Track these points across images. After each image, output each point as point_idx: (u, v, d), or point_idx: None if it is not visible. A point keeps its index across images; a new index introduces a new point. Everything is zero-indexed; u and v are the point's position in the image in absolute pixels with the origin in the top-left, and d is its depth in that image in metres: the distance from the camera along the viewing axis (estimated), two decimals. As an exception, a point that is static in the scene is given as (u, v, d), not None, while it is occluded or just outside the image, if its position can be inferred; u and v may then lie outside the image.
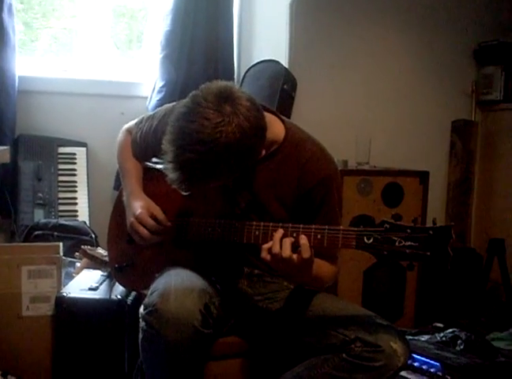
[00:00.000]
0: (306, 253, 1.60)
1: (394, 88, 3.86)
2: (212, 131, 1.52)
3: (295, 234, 1.64)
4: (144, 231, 1.85)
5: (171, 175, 1.61)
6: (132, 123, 2.10)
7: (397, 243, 1.54)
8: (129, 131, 2.09)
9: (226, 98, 1.56)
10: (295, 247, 1.61)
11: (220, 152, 1.53)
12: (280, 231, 1.64)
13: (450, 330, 2.74)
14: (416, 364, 2.48)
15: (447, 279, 3.49)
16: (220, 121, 1.53)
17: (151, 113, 2.06)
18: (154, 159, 2.09)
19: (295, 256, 1.60)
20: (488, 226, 4.03)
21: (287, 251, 1.60)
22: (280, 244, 1.61)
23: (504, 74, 3.93)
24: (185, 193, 1.71)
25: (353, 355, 1.67)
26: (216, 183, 1.68)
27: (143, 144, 2.01)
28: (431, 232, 1.51)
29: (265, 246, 1.63)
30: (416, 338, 2.71)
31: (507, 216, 3.90)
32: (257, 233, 1.70)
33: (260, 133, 1.61)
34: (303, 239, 1.61)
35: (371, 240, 1.57)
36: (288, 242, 1.61)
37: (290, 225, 1.66)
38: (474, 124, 4.07)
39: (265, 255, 1.63)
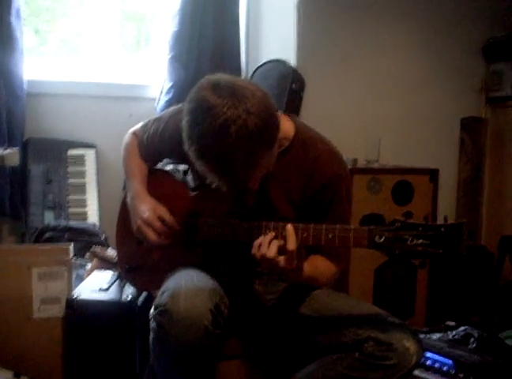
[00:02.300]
0: (290, 261, 1.61)
1: (403, 85, 3.85)
2: (223, 111, 1.50)
3: (305, 234, 1.64)
4: (152, 234, 1.85)
5: (222, 184, 1.60)
6: (138, 126, 2.09)
7: (408, 242, 1.53)
8: (135, 134, 2.08)
9: (214, 84, 1.55)
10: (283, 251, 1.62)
11: (243, 124, 1.50)
12: (272, 234, 1.64)
13: (462, 328, 2.72)
14: (428, 362, 2.46)
15: (458, 277, 3.47)
16: (221, 101, 1.51)
17: (157, 115, 2.06)
18: (164, 161, 2.10)
19: (281, 258, 1.61)
20: (499, 223, 4.01)
21: (271, 253, 1.61)
22: (268, 244, 1.62)
23: (514, 70, 3.91)
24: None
25: (366, 354, 1.66)
26: (261, 164, 1.60)
27: (150, 146, 2.00)
28: (442, 230, 1.51)
29: (257, 242, 1.65)
30: (427, 336, 2.69)
31: (518, 213, 3.89)
32: (266, 233, 1.68)
33: (264, 91, 1.59)
34: (291, 245, 1.61)
35: (383, 239, 1.56)
36: (275, 244, 1.62)
37: (300, 225, 1.65)
38: (484, 121, 4.04)
39: (255, 251, 1.64)
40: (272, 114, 1.59)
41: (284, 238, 1.63)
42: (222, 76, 1.60)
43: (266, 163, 1.64)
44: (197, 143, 1.55)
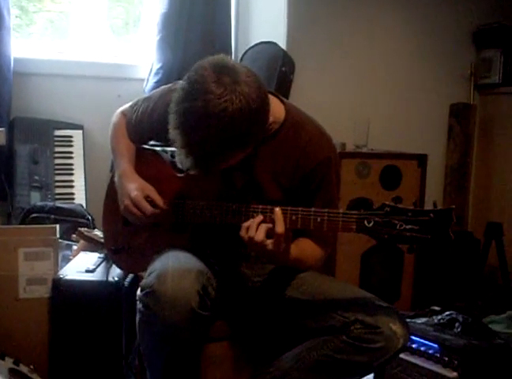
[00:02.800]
0: (278, 244, 1.62)
1: (393, 70, 3.85)
2: (218, 102, 1.50)
3: (294, 217, 1.64)
4: (139, 214, 1.83)
5: (186, 161, 1.59)
6: (127, 106, 2.07)
7: (397, 227, 1.53)
8: (123, 114, 2.06)
9: (222, 68, 1.55)
10: (271, 234, 1.63)
11: (230, 122, 1.51)
12: (260, 217, 1.65)
13: (447, 313, 2.73)
14: (414, 345, 2.48)
15: (445, 262, 3.49)
16: (222, 91, 1.51)
17: (147, 95, 2.04)
18: (151, 142, 2.08)
19: (269, 241, 1.62)
20: (486, 209, 4.03)
21: (260, 236, 1.62)
22: (256, 228, 1.63)
23: (503, 57, 3.92)
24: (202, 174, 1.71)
25: (353, 337, 1.67)
26: (231, 160, 1.63)
27: (138, 125, 1.98)
28: (431, 215, 1.51)
29: (245, 225, 1.66)
30: (413, 321, 2.71)
31: (505, 200, 3.91)
32: (254, 216, 1.69)
33: (264, 96, 1.59)
34: (279, 229, 1.61)
35: (372, 223, 1.56)
36: (263, 227, 1.63)
37: (289, 208, 1.65)
38: (472, 107, 4.05)
39: (243, 234, 1.65)
40: (263, 116, 1.60)
41: (273, 220, 1.63)
42: (230, 63, 1.59)
43: (241, 155, 1.65)
44: (182, 116, 1.55)
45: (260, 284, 1.90)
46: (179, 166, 1.94)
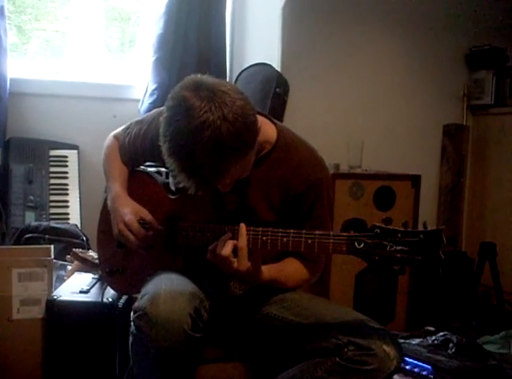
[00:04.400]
0: (241, 260, 1.65)
1: (386, 92, 3.88)
2: (199, 114, 1.50)
3: (285, 239, 1.64)
4: (133, 237, 1.83)
5: (190, 184, 1.58)
6: (119, 130, 2.08)
7: (387, 248, 1.53)
8: (116, 137, 2.07)
9: (199, 85, 1.55)
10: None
11: (214, 130, 1.50)
12: (228, 234, 1.67)
13: (442, 333, 2.74)
14: (407, 367, 2.48)
15: (439, 282, 3.49)
16: (200, 103, 1.51)
17: (139, 118, 2.04)
18: (147, 163, 2.08)
19: (235, 259, 1.64)
20: (480, 229, 4.05)
21: (226, 251, 1.64)
22: (223, 244, 1.65)
23: (495, 78, 3.96)
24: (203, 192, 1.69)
25: (346, 359, 1.66)
26: (232, 170, 1.59)
27: (132, 148, 1.99)
28: (421, 236, 1.51)
29: (210, 248, 1.68)
30: (407, 341, 2.71)
31: (498, 220, 3.92)
32: (246, 238, 1.70)
33: (246, 99, 1.58)
34: (241, 243, 1.64)
35: (362, 245, 1.56)
36: (230, 243, 1.65)
37: (280, 230, 1.66)
38: (465, 128, 4.08)
39: (209, 256, 1.68)
40: (250, 123, 1.57)
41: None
42: (206, 78, 1.59)
43: (239, 170, 1.64)
44: (170, 141, 1.55)
45: (254, 306, 1.90)
46: (172, 187, 1.96)
